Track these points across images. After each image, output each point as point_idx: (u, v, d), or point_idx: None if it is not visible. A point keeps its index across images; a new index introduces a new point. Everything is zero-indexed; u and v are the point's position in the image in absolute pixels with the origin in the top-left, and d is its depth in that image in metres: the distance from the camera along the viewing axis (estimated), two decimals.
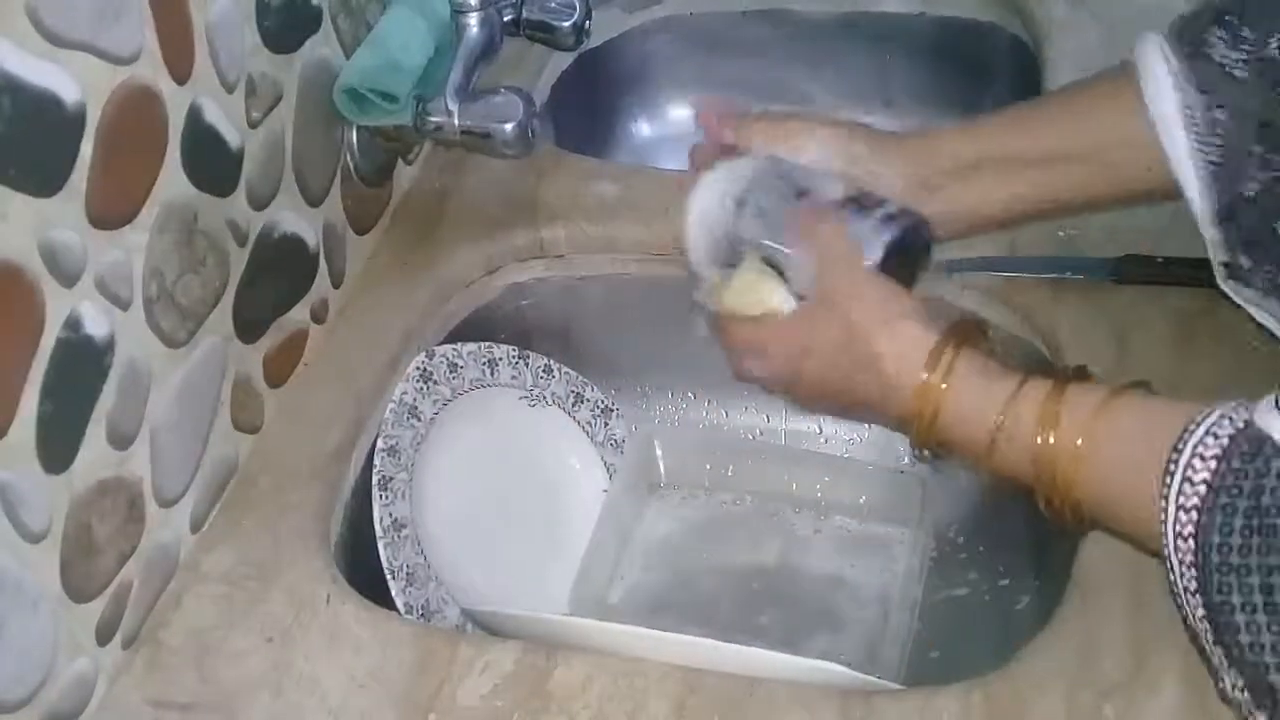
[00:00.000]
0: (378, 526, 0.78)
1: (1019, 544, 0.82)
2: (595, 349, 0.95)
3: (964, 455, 0.59)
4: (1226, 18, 0.59)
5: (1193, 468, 0.48)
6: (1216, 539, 0.47)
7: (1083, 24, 1.03)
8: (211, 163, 0.67)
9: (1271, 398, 0.47)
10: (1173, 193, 0.61)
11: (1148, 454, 0.50)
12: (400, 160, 0.91)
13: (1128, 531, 0.55)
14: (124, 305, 0.60)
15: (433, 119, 0.82)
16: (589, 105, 1.18)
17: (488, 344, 0.88)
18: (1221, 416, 0.49)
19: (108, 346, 0.60)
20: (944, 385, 0.58)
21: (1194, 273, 0.75)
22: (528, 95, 0.82)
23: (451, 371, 0.87)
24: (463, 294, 0.89)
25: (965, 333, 0.60)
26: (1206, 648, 0.49)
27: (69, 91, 0.54)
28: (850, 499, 0.90)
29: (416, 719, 0.61)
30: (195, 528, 0.70)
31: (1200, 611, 0.48)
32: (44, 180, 0.54)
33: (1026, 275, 0.82)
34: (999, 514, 0.84)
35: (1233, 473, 0.47)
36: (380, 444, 0.80)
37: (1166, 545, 0.49)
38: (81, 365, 0.58)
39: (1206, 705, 0.58)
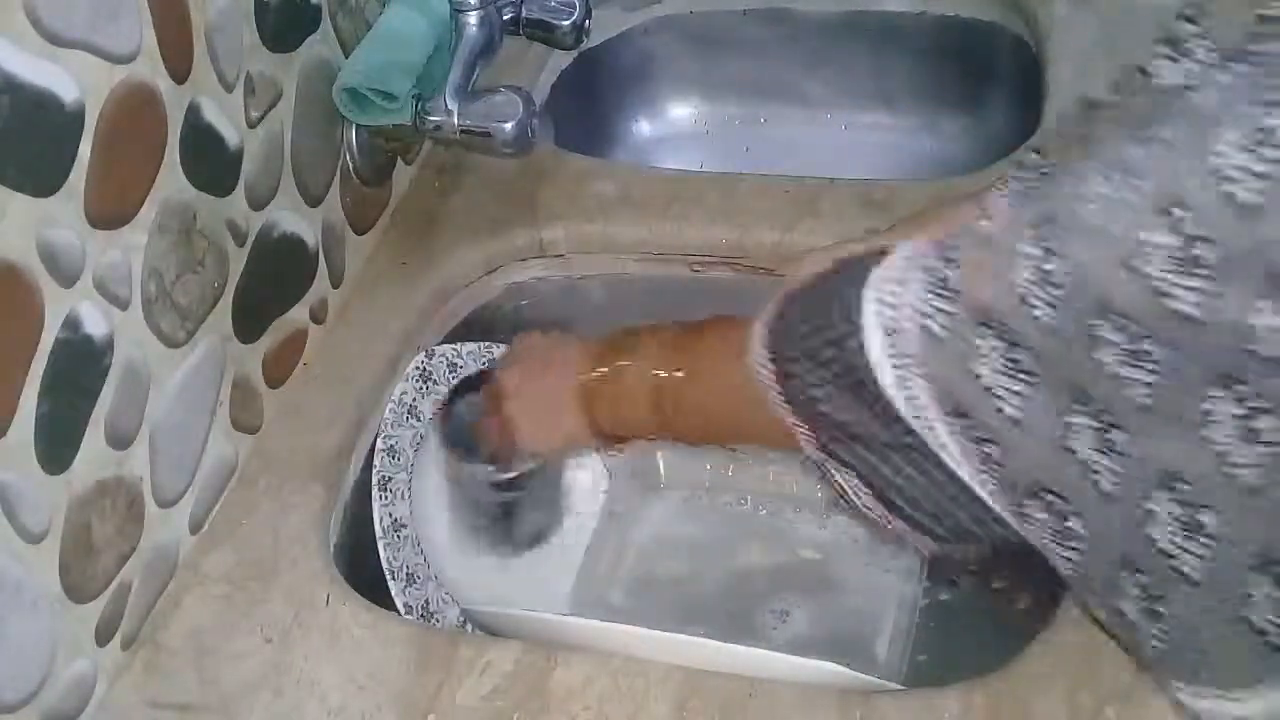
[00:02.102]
0: (377, 527, 0.78)
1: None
2: None
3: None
4: None
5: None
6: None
7: (1084, 23, 1.03)
8: (210, 162, 0.67)
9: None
10: None
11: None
12: (400, 160, 0.91)
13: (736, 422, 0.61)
14: (123, 305, 0.60)
15: (432, 118, 0.81)
16: (589, 105, 1.17)
17: (487, 344, 0.88)
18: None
19: (107, 346, 0.59)
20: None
21: None
22: (527, 95, 0.82)
23: (451, 371, 0.87)
24: (462, 294, 0.89)
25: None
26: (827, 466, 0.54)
27: (68, 91, 0.54)
28: None
29: (416, 719, 0.61)
30: (195, 528, 0.70)
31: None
32: (43, 180, 0.54)
33: None
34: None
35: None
36: (380, 444, 0.80)
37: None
38: (81, 365, 0.58)
39: None
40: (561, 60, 1.11)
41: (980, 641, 0.78)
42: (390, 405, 0.82)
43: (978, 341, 0.44)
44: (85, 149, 0.56)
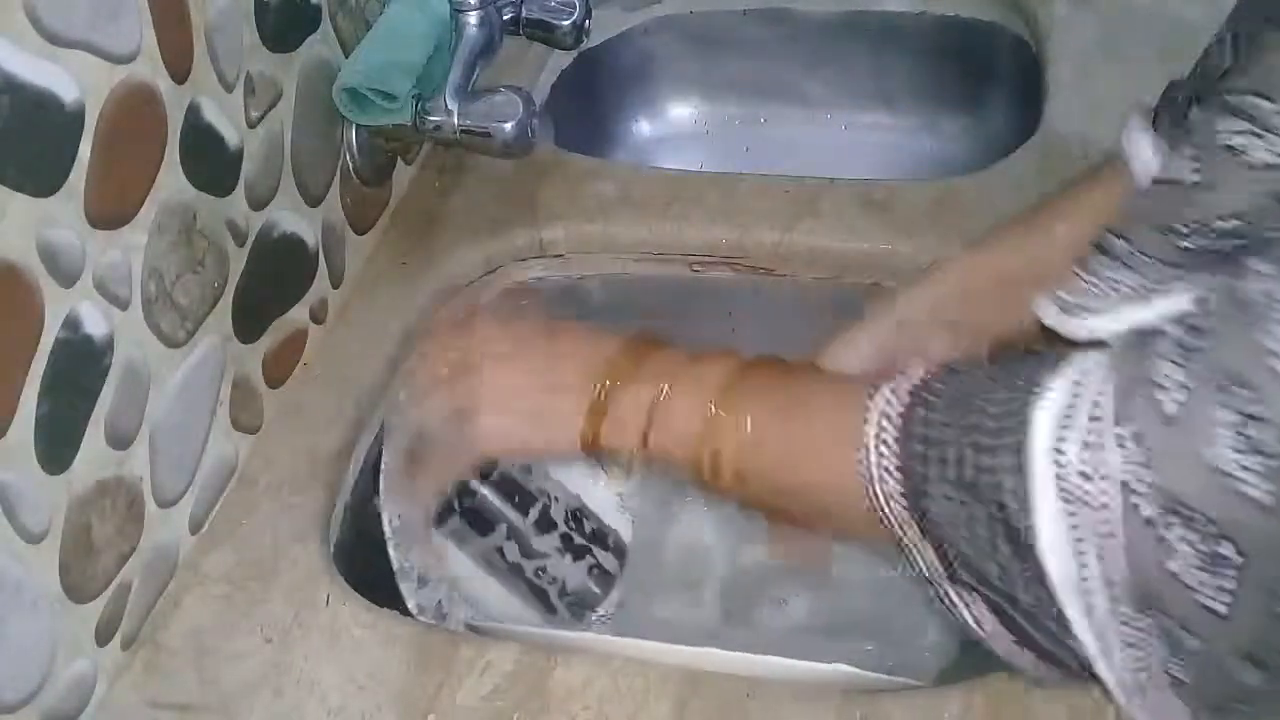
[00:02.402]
0: (386, 528, 0.78)
1: None
2: None
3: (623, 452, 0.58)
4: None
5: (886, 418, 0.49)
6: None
7: (1084, 23, 1.03)
8: (210, 162, 0.67)
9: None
10: None
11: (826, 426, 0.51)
12: (400, 160, 0.91)
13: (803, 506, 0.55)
14: (123, 305, 0.60)
15: (432, 118, 0.81)
16: (589, 105, 1.17)
17: None
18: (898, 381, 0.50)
19: (107, 346, 0.59)
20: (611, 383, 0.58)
21: None
22: (527, 95, 0.82)
23: None
24: (462, 294, 0.89)
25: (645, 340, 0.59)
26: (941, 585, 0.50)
27: (67, 91, 0.54)
28: None
29: (416, 719, 0.61)
30: (195, 528, 0.70)
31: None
32: (43, 180, 0.54)
33: None
34: None
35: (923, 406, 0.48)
36: (386, 443, 0.80)
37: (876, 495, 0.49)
38: (80, 365, 0.58)
39: None
40: (561, 60, 1.11)
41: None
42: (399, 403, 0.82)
43: (1168, 535, 0.39)
44: (85, 149, 0.56)
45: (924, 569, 0.49)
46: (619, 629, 0.84)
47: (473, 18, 0.84)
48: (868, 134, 1.20)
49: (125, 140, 0.59)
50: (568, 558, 0.84)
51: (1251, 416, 0.37)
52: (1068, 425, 0.42)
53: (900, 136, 1.19)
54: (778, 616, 0.85)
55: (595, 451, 0.59)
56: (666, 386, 0.56)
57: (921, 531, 0.48)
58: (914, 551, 0.49)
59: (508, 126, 0.81)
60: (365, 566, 0.75)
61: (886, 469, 0.48)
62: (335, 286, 0.83)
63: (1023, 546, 0.43)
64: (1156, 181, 0.46)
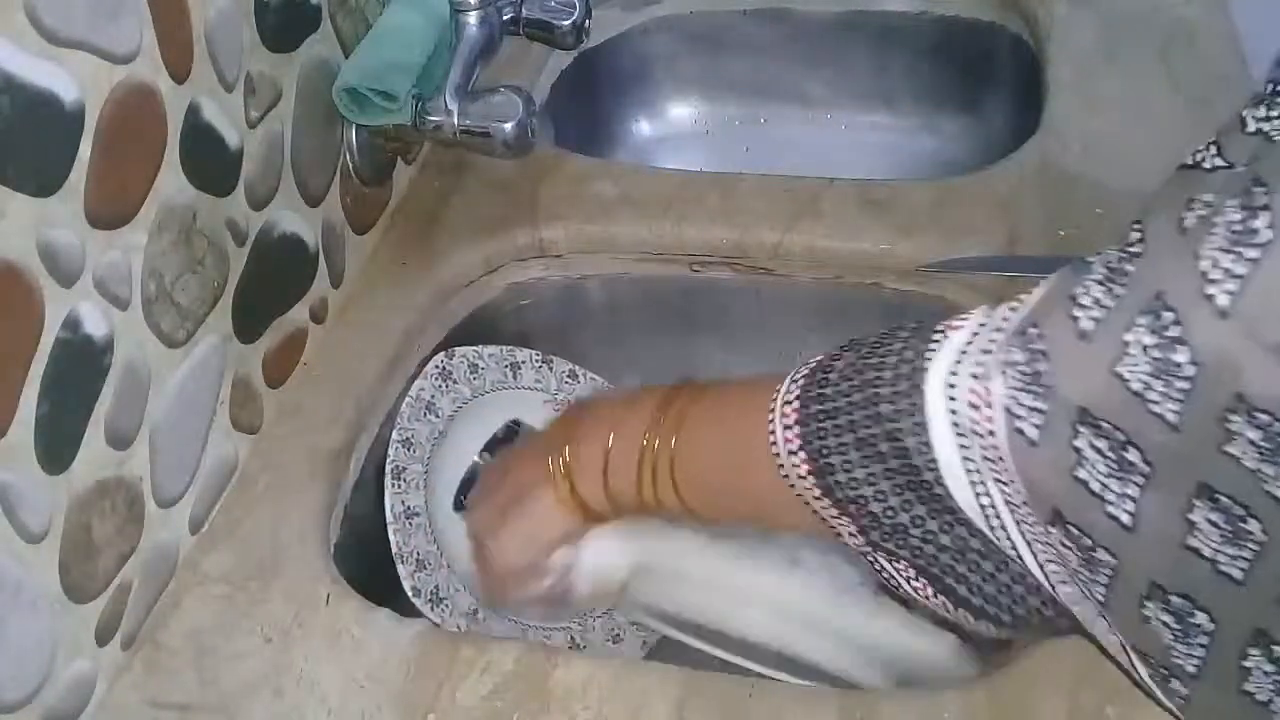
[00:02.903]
0: (388, 513, 0.79)
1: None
2: (595, 349, 0.95)
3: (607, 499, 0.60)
4: None
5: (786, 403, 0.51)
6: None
7: (1084, 23, 1.03)
8: (210, 162, 0.67)
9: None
10: None
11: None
12: (400, 160, 0.91)
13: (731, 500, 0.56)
14: (123, 305, 0.60)
15: (432, 118, 0.81)
16: (589, 105, 1.18)
17: (510, 347, 0.89)
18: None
19: (107, 346, 0.59)
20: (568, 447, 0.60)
21: None
22: (527, 95, 0.82)
23: (472, 372, 0.87)
24: (462, 294, 0.89)
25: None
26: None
27: (67, 91, 0.54)
28: None
29: (416, 719, 0.61)
30: (195, 528, 0.70)
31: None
32: (43, 180, 0.54)
33: (1027, 275, 0.81)
34: None
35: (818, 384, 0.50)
36: (395, 435, 0.81)
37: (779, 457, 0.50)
38: (80, 365, 0.58)
39: None
40: (561, 60, 1.11)
41: (981, 641, 0.78)
42: (408, 400, 0.83)
43: (1078, 443, 0.40)
44: (85, 149, 0.56)
45: (850, 543, 0.51)
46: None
47: (473, 18, 0.84)
48: (868, 134, 1.20)
49: (125, 140, 0.59)
50: None
51: (1170, 339, 0.37)
52: (961, 360, 0.44)
53: (900, 136, 1.19)
54: None
55: (593, 516, 0.62)
56: (610, 434, 0.59)
57: (836, 505, 0.49)
58: (838, 527, 0.51)
59: (508, 126, 0.81)
60: (365, 567, 0.75)
61: (791, 449, 0.50)
62: (335, 286, 0.83)
63: (928, 487, 0.45)
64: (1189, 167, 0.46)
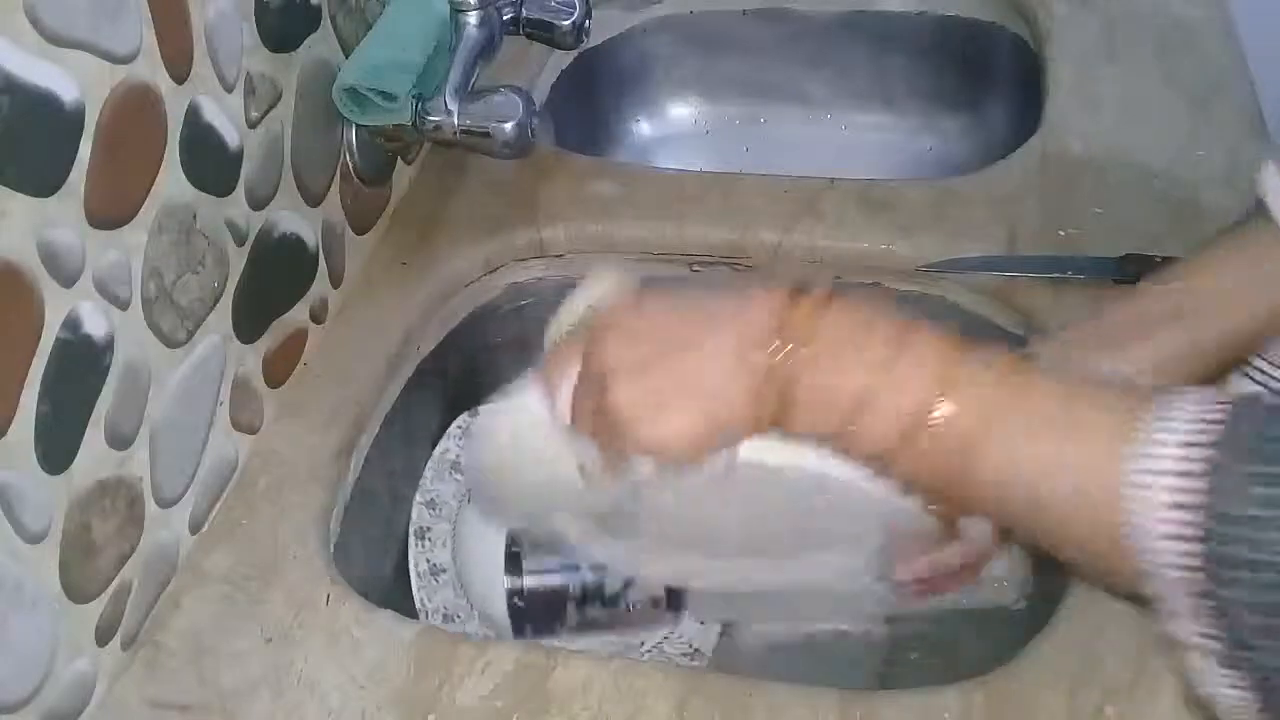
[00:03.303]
0: (413, 572, 0.80)
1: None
2: None
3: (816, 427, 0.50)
4: None
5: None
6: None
7: (1084, 23, 1.03)
8: (210, 162, 0.67)
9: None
10: None
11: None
12: (400, 160, 0.91)
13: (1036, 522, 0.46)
14: (123, 305, 0.60)
15: (432, 118, 0.81)
16: (589, 105, 1.18)
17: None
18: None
19: (107, 346, 0.59)
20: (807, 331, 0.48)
21: None
22: (527, 94, 0.82)
23: None
24: (462, 294, 0.89)
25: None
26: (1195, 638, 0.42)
27: (67, 91, 0.54)
28: None
29: (416, 719, 0.61)
30: (195, 528, 0.70)
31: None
32: (43, 180, 0.54)
33: (1027, 275, 0.82)
34: None
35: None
36: (418, 497, 0.83)
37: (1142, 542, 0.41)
38: (80, 365, 0.58)
39: (1209, 706, 0.58)
40: (561, 60, 1.11)
41: (981, 641, 0.78)
42: (431, 462, 0.84)
43: None
44: (85, 149, 0.56)
45: (1175, 630, 0.42)
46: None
47: (473, 18, 0.84)
48: (868, 134, 1.20)
49: (125, 140, 0.59)
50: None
51: None
52: None
53: (900, 136, 1.19)
54: None
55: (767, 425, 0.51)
56: (873, 379, 0.47)
57: (1204, 589, 0.40)
58: (1163, 605, 0.42)
59: (508, 126, 0.81)
60: (365, 567, 0.75)
61: (1171, 534, 0.40)
62: (335, 286, 0.83)
63: None
64: None
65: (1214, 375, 0.62)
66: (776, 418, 0.50)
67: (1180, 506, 0.40)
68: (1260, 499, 0.38)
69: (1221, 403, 0.41)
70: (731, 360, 0.49)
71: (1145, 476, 0.41)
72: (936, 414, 0.46)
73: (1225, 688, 0.42)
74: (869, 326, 0.49)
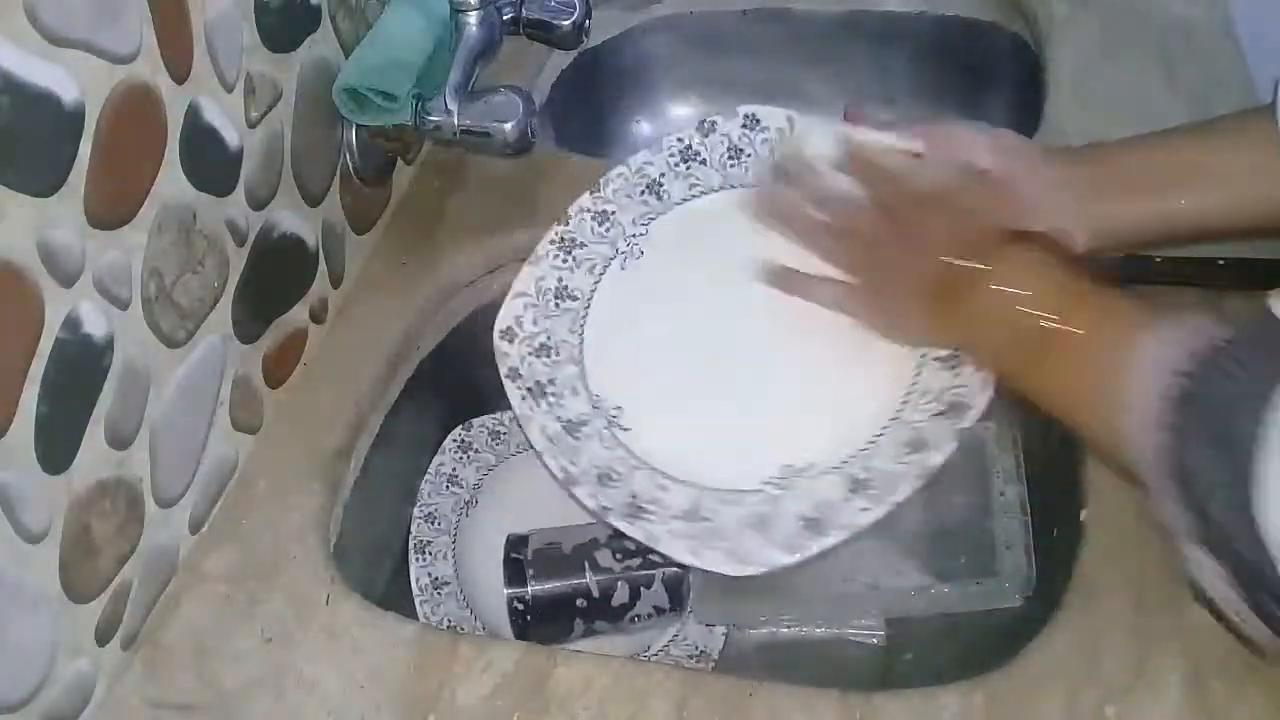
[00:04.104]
0: (414, 586, 0.80)
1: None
2: None
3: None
4: None
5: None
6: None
7: (1084, 23, 1.03)
8: (210, 162, 0.67)
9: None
10: None
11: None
12: (400, 160, 0.91)
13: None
14: (123, 305, 0.60)
15: (432, 118, 0.81)
16: (589, 105, 1.17)
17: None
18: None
19: (107, 347, 0.59)
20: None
21: (1194, 272, 0.75)
22: (527, 95, 0.82)
23: (494, 439, 0.88)
24: (462, 294, 0.89)
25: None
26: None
27: (67, 91, 0.54)
28: None
29: (416, 719, 0.61)
30: (195, 528, 0.70)
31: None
32: (42, 180, 0.54)
33: None
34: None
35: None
36: (417, 512, 0.83)
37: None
38: (80, 365, 0.58)
39: (1209, 706, 0.58)
40: (561, 60, 1.11)
41: (980, 641, 0.78)
42: (427, 476, 0.84)
43: None
44: (85, 149, 0.56)
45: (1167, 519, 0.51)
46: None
47: (473, 18, 0.83)
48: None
49: (125, 140, 0.59)
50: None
51: None
52: None
53: None
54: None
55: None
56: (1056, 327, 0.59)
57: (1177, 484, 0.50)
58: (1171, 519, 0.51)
59: (508, 126, 0.81)
60: (365, 568, 0.75)
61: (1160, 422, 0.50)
62: (335, 286, 0.83)
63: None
64: None
65: (1213, 236, 0.72)
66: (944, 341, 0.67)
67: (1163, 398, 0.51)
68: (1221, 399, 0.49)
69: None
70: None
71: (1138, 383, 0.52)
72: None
73: (1213, 576, 0.50)
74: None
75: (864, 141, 0.70)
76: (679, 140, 0.80)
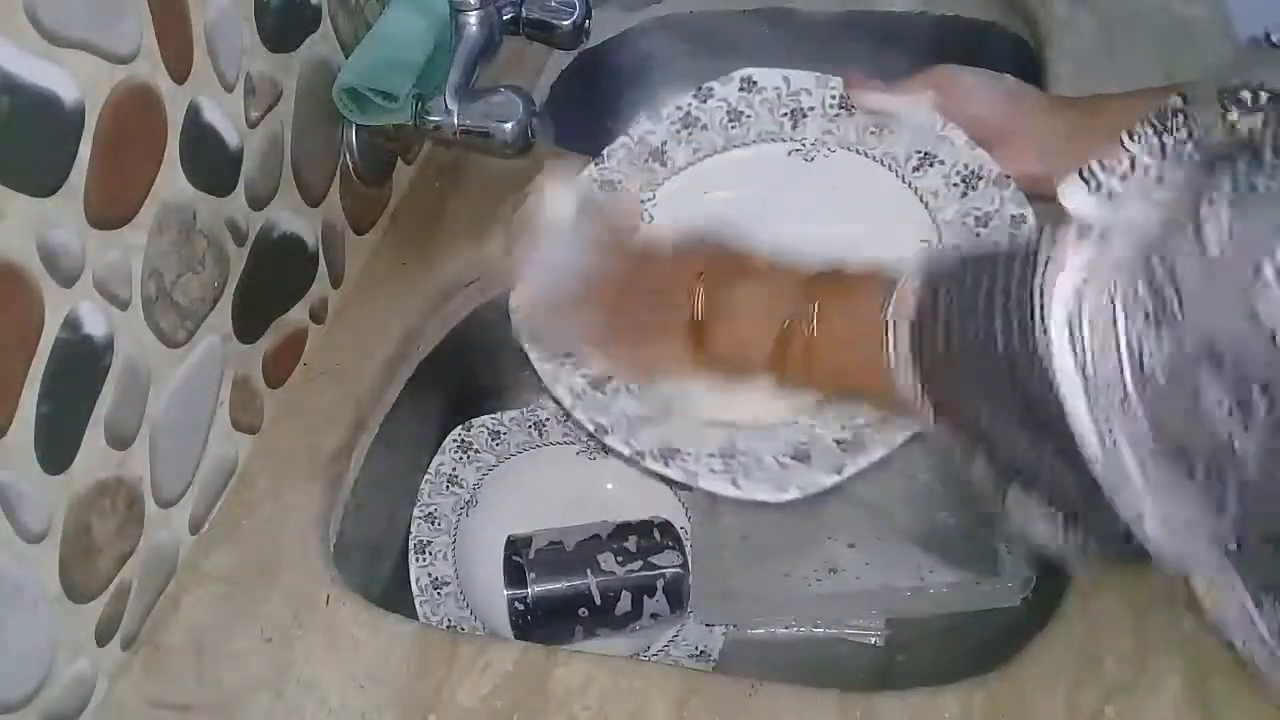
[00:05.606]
0: (414, 586, 0.80)
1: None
2: None
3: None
4: None
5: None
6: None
7: (1084, 23, 1.03)
8: (210, 162, 0.67)
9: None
10: None
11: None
12: (400, 160, 0.91)
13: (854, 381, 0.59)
14: (123, 305, 0.60)
15: (432, 118, 0.81)
16: (589, 105, 1.17)
17: (530, 407, 0.90)
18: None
19: (107, 347, 0.59)
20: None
21: None
22: (527, 94, 0.82)
23: (494, 439, 0.88)
24: (462, 294, 0.89)
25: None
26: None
27: (68, 91, 0.54)
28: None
29: (416, 719, 0.61)
30: (195, 528, 0.70)
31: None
32: (43, 180, 0.54)
33: None
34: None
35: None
36: (417, 512, 0.83)
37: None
38: (80, 365, 0.58)
39: (1209, 706, 0.58)
40: (561, 60, 1.11)
41: (980, 641, 0.78)
42: (427, 477, 0.84)
43: (1204, 379, 0.39)
44: (85, 149, 0.56)
45: (930, 437, 0.53)
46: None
47: (473, 18, 0.84)
48: None
49: (125, 140, 0.59)
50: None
51: None
52: (1081, 305, 0.43)
53: None
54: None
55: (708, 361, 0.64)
56: (756, 310, 0.61)
57: (943, 417, 0.52)
58: (928, 425, 0.53)
59: (508, 126, 0.81)
60: (365, 568, 0.75)
61: (900, 350, 0.52)
62: (335, 286, 0.83)
63: (1049, 426, 0.45)
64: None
65: None
66: (696, 363, 0.64)
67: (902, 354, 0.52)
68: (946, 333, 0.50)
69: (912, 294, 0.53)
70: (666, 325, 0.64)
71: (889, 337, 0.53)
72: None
73: (1036, 519, 0.51)
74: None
75: (867, 103, 0.73)
76: (678, 109, 0.80)
